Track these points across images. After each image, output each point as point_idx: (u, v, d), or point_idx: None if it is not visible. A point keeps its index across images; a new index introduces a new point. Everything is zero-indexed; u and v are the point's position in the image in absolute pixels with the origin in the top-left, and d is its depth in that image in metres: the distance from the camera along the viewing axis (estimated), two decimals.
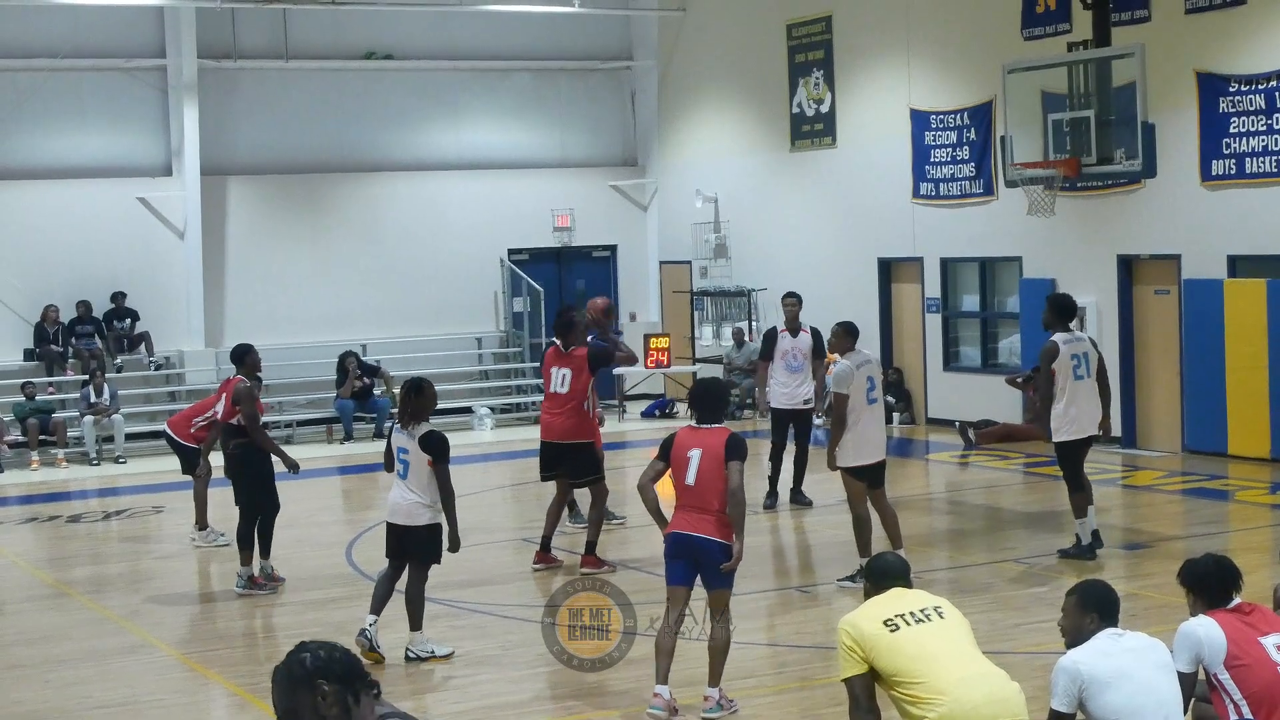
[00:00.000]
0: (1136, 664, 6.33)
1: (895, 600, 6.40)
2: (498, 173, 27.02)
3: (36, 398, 22.59)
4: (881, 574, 6.68)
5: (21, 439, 21.92)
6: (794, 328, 16.39)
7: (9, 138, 24.11)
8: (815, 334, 16.32)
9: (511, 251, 26.98)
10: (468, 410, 24.89)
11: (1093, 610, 6.50)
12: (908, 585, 6.58)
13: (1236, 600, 6.85)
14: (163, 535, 16.56)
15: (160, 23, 24.67)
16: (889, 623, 6.24)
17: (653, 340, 25.25)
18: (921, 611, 6.28)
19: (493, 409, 25.14)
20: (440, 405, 24.23)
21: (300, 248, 25.64)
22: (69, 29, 24.12)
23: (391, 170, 26.36)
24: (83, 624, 12.51)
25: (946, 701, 6.02)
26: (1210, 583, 6.87)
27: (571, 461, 13.48)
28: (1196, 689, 6.79)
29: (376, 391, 23.69)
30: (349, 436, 23.28)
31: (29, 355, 23.75)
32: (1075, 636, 6.51)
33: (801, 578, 13.40)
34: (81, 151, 24.51)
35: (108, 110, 24.66)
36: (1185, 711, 6.51)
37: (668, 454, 8.98)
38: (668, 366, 25.21)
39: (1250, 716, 6.56)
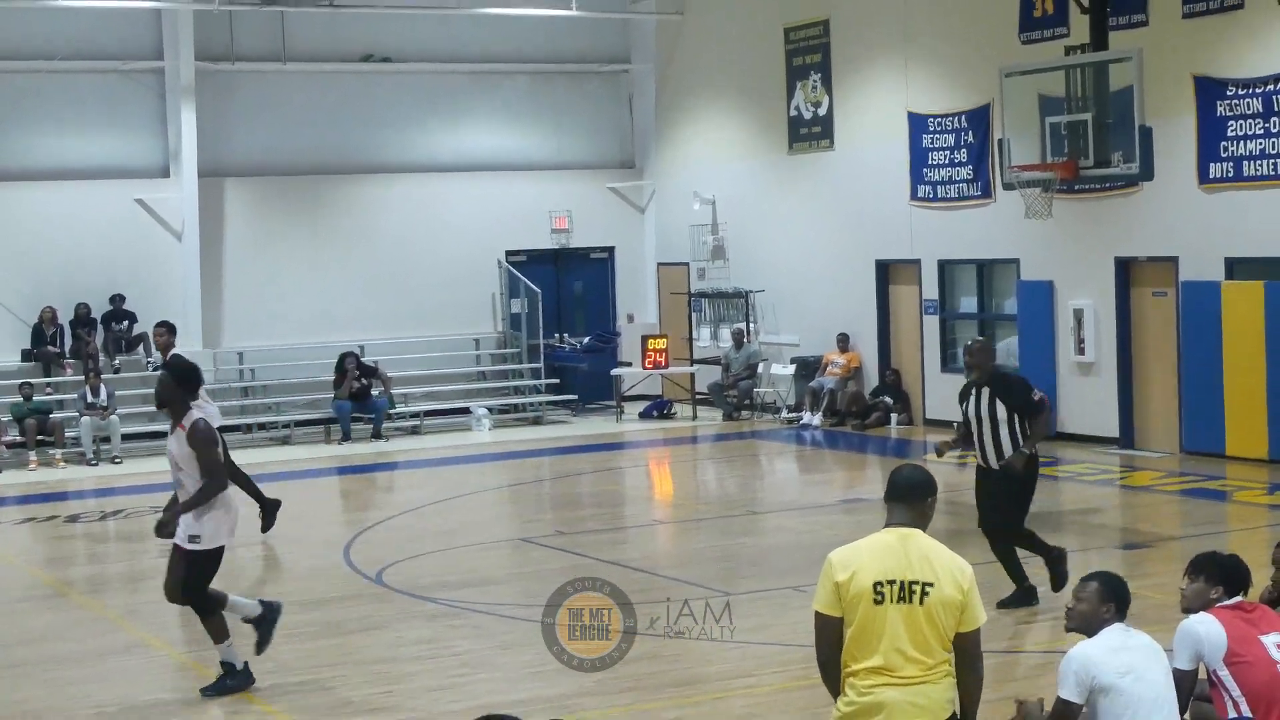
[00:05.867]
0: (1144, 663, 6.34)
1: (894, 551, 5.96)
2: (496, 175, 27.01)
3: (34, 398, 22.59)
4: (889, 488, 6.13)
5: (19, 439, 21.92)
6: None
7: (7, 139, 24.12)
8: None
9: (509, 253, 26.98)
10: (465, 411, 24.90)
11: (1111, 601, 6.51)
12: (915, 507, 6.04)
13: (1239, 598, 6.88)
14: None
15: (158, 25, 24.67)
16: (878, 588, 5.88)
17: (650, 341, 25.26)
18: (911, 587, 5.89)
19: (490, 410, 25.14)
20: (438, 406, 24.78)
21: (298, 249, 25.63)
22: (67, 31, 24.13)
23: (389, 172, 26.36)
24: (81, 624, 12.50)
25: (875, 693, 5.87)
26: (1237, 574, 6.94)
27: None
28: (1197, 689, 6.81)
29: (374, 392, 23.67)
30: (346, 437, 23.27)
31: (26, 356, 23.75)
32: (1088, 623, 6.50)
33: (799, 578, 13.41)
34: (79, 153, 24.50)
35: (106, 112, 24.66)
36: (1184, 711, 6.52)
37: None
38: (665, 368, 25.21)
39: (1249, 714, 6.58)
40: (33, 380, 23.10)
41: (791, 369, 24.35)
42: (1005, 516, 11.68)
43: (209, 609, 10.12)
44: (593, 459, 21.36)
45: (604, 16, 26.96)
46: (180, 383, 9.96)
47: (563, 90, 27.71)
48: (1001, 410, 11.63)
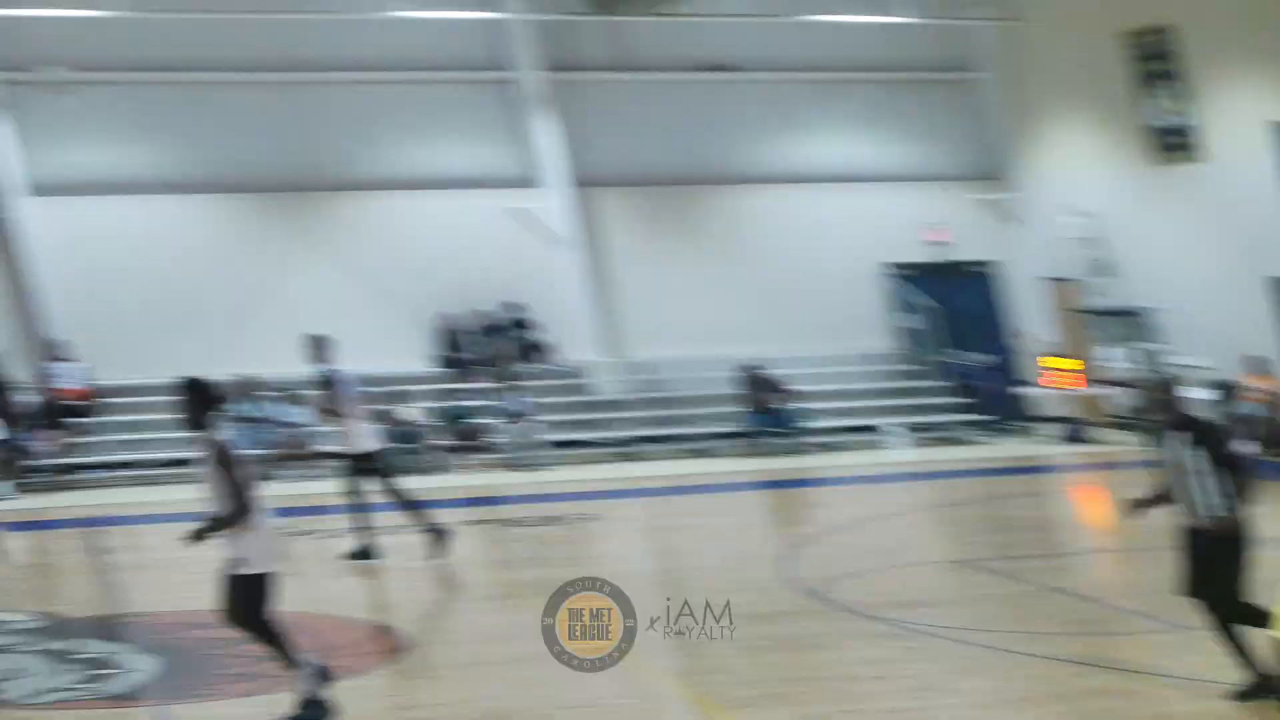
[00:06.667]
0: None
1: None
2: (859, 186, 26.79)
3: (451, 403, 23.35)
4: None
5: (453, 443, 22.60)
6: None
7: (377, 149, 25.16)
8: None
9: (885, 266, 26.52)
10: (870, 429, 24.60)
11: None
12: None
13: None
14: (608, 540, 16.80)
15: (506, 36, 25.23)
16: None
17: (1052, 361, 24.63)
18: None
19: (905, 426, 24.72)
20: (848, 423, 24.42)
21: (676, 259, 25.87)
22: (423, 43, 25.03)
23: (750, 183, 26.45)
24: (536, 626, 12.79)
25: None
26: None
27: None
28: None
29: (780, 406, 23.63)
30: (759, 451, 23.26)
31: (447, 363, 24.50)
32: None
33: None
34: (452, 163, 25.31)
35: (472, 122, 25.47)
36: None
37: None
38: (1082, 389, 24.34)
39: None
40: (453, 386, 23.90)
41: (1211, 394, 23.32)
42: (1216, 587, 9.40)
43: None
44: (1018, 482, 20.93)
45: (944, 23, 26.33)
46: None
47: (908, 99, 27.23)
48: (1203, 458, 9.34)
